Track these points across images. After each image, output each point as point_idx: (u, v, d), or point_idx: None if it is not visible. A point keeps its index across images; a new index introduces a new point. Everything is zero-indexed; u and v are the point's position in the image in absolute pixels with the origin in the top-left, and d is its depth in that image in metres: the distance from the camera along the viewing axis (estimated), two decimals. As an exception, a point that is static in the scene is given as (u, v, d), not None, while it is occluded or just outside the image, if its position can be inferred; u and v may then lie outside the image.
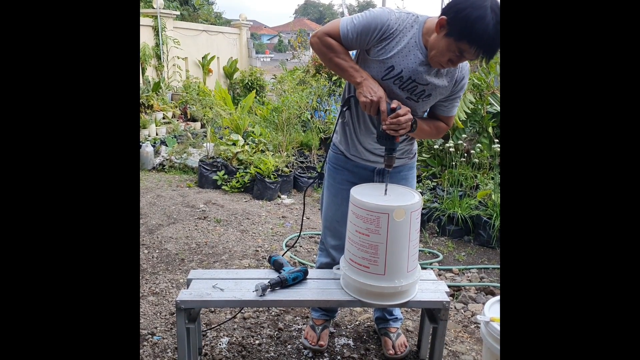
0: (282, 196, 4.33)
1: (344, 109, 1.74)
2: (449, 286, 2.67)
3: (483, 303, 2.49)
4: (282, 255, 1.88)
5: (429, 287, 1.76)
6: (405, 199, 1.59)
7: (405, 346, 2.01)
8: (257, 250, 3.09)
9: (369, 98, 1.53)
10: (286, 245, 3.19)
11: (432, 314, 1.76)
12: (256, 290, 1.66)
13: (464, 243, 3.38)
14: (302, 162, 4.91)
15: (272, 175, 4.27)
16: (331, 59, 1.60)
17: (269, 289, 1.68)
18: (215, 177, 4.52)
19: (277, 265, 1.85)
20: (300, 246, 3.20)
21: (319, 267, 2.01)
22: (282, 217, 3.80)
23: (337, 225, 1.87)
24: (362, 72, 1.57)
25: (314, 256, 3.05)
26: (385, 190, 1.62)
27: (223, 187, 4.47)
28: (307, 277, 1.79)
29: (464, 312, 2.44)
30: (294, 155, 4.97)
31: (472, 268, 2.99)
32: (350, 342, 2.10)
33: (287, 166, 4.62)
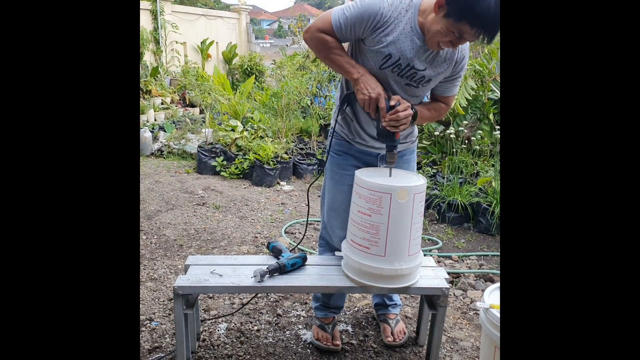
0: (282, 183, 4.31)
1: (344, 107, 1.70)
2: (449, 273, 2.66)
3: (482, 290, 2.49)
4: (290, 250, 1.86)
5: (429, 274, 1.75)
6: (409, 181, 1.57)
7: (404, 333, 2.00)
8: (256, 237, 3.08)
9: (367, 95, 1.50)
10: (285, 232, 3.18)
11: (431, 300, 1.75)
12: (254, 276, 1.65)
13: (463, 230, 3.38)
14: (301, 149, 4.89)
15: (271, 162, 4.25)
16: (326, 55, 1.56)
17: (267, 275, 1.67)
18: (213, 163, 4.50)
19: (275, 252, 1.83)
20: (300, 232, 3.19)
21: None
22: (281, 203, 3.79)
23: (346, 214, 1.76)
24: (359, 67, 1.54)
25: (314, 242, 3.04)
26: (390, 173, 1.61)
27: (222, 173, 4.45)
28: (306, 263, 1.78)
29: (463, 298, 2.43)
30: (293, 142, 4.94)
31: (472, 255, 2.98)
32: (349, 328, 2.10)
33: (286, 153, 4.59)
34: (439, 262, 2.87)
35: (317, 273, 1.73)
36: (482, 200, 3.39)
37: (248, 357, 1.87)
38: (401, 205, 1.52)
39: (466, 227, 3.44)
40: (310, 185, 2.16)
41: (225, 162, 4.50)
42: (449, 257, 2.95)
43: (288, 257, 1.75)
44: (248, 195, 3.91)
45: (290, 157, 4.50)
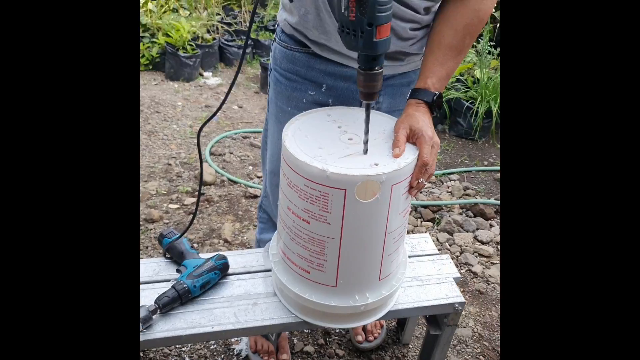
0: (205, 74, 3.34)
1: None
2: (425, 206, 2.05)
3: (473, 232, 1.91)
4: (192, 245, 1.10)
5: (430, 274, 1.09)
6: (385, 158, 0.81)
7: (380, 326, 1.41)
8: (170, 164, 2.27)
9: None
10: (211, 154, 2.37)
11: (435, 318, 1.12)
12: (132, 322, 0.92)
13: (438, 134, 2.70)
14: (229, 25, 3.79)
15: (188, 46, 3.21)
16: None
17: (159, 312, 0.94)
18: (112, 50, 3.39)
19: (174, 253, 1.08)
20: (231, 153, 2.40)
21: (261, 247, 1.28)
22: (206, 106, 2.90)
23: None
24: None
25: (250, 168, 2.29)
26: (366, 125, 0.82)
27: (125, 62, 3.38)
28: (228, 272, 1.06)
29: (450, 246, 1.85)
30: (217, 15, 3.82)
31: (452, 173, 2.36)
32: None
33: (208, 31, 3.53)
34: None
35: (246, 293, 1.02)
36: (462, 96, 2.67)
37: (153, 394, 1.23)
38: (365, 209, 0.79)
39: (440, 129, 2.78)
40: (240, 64, 1.34)
41: (127, 48, 3.40)
42: (425, 178, 2.32)
43: (195, 270, 1.01)
44: (160, 96, 2.96)
45: (214, 38, 3.46)
